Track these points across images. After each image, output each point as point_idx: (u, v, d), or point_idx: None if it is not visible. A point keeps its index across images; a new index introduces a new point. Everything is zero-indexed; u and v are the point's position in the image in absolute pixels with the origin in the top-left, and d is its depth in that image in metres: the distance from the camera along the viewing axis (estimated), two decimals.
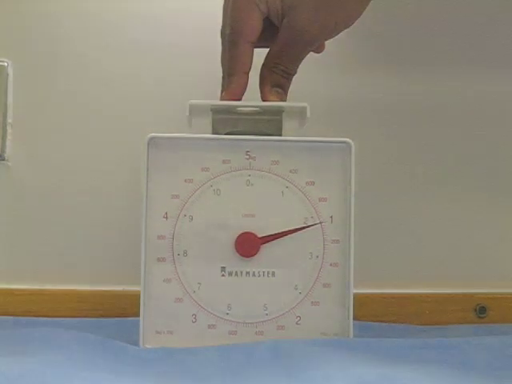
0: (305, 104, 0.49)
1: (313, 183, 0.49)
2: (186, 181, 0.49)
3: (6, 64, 0.66)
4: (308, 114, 0.49)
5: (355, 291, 0.48)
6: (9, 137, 0.66)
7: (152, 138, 0.49)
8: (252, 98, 0.51)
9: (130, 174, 0.63)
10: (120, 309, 0.62)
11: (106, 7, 0.67)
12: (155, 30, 0.67)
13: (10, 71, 0.66)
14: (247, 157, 0.49)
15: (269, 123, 0.50)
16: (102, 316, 0.62)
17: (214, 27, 0.52)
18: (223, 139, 0.49)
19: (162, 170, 0.49)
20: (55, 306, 0.63)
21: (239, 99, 0.50)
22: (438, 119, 0.68)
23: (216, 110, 0.50)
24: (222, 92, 0.51)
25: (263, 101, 0.50)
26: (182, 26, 0.67)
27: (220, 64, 0.52)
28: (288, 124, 0.51)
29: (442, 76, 0.68)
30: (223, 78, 0.51)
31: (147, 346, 0.48)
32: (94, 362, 0.41)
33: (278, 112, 0.50)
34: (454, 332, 0.57)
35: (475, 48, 0.68)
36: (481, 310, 0.65)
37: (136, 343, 0.47)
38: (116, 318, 0.61)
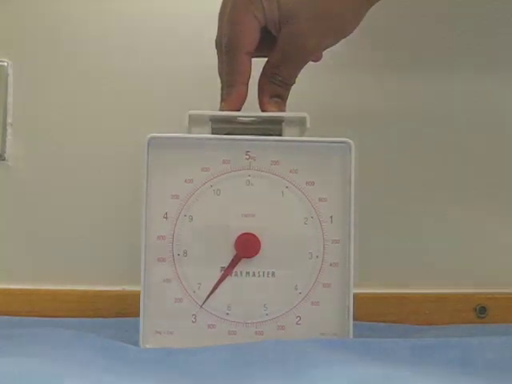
0: (304, 114, 0.49)
1: (313, 183, 0.49)
2: (186, 181, 0.49)
3: (5, 64, 0.66)
4: (308, 123, 0.49)
5: (355, 291, 0.48)
6: (9, 137, 0.66)
7: (152, 138, 0.49)
8: (251, 106, 0.51)
9: (130, 173, 0.63)
10: (120, 309, 0.62)
11: (106, 8, 0.67)
12: (156, 30, 0.67)
13: (10, 71, 0.67)
14: (247, 157, 0.49)
15: (268, 133, 0.50)
16: (102, 316, 0.62)
17: (215, 27, 0.52)
18: (223, 139, 0.49)
19: (161, 170, 0.49)
20: (55, 306, 0.63)
21: (239, 110, 0.50)
22: (438, 120, 0.68)
23: (215, 120, 0.50)
24: (221, 102, 0.50)
25: (262, 111, 0.50)
26: (183, 27, 0.67)
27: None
28: (288, 132, 0.50)
29: (442, 77, 0.68)
30: (222, 88, 0.51)
31: (147, 346, 0.48)
32: (94, 362, 0.41)
33: (278, 122, 0.50)
34: (453, 332, 0.57)
35: (476, 49, 0.68)
36: (481, 310, 0.65)
37: (136, 343, 0.47)
38: (116, 318, 0.61)
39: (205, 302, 0.48)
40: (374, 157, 0.66)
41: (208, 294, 0.48)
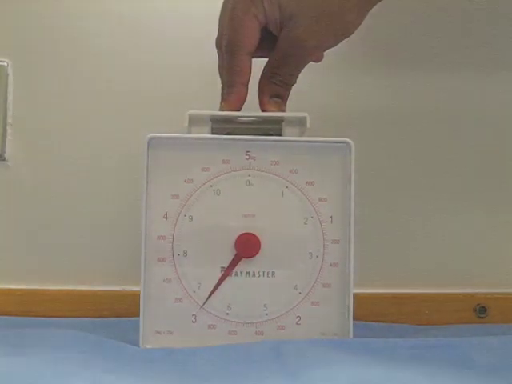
0: (305, 114, 0.49)
1: (313, 183, 0.49)
2: (185, 181, 0.49)
3: (5, 64, 0.66)
4: (308, 123, 0.49)
5: (355, 291, 0.48)
6: (9, 137, 0.66)
7: (152, 138, 0.49)
8: (252, 106, 0.51)
9: (130, 173, 0.63)
10: (120, 309, 0.62)
11: (106, 8, 0.67)
12: (156, 30, 0.67)
13: (10, 71, 0.66)
14: (247, 157, 0.49)
15: (268, 132, 0.50)
16: (102, 316, 0.62)
17: (215, 27, 0.52)
18: (223, 139, 0.49)
19: (162, 170, 0.49)
20: (55, 306, 0.63)
21: (239, 110, 0.50)
22: (438, 120, 0.68)
23: (215, 120, 0.50)
24: (221, 102, 0.50)
25: (262, 111, 0.50)
26: (183, 26, 0.67)
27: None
28: (288, 132, 0.50)
29: (441, 77, 0.68)
30: (222, 88, 0.51)
31: (147, 346, 0.48)
32: (94, 362, 0.41)
33: (278, 122, 0.50)
34: (454, 332, 0.57)
35: (475, 49, 0.68)
36: (481, 310, 0.65)
37: (136, 343, 0.47)
38: (116, 318, 0.61)
39: (205, 302, 0.48)
40: (374, 157, 0.66)
41: (208, 294, 0.48)
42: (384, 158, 0.67)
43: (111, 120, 0.67)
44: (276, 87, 0.50)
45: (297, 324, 0.49)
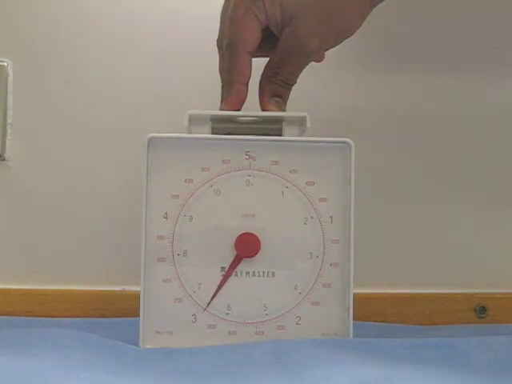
0: (304, 113, 0.49)
1: (313, 183, 0.49)
2: (185, 181, 0.49)
3: (5, 64, 0.66)
4: (308, 123, 0.49)
5: (355, 291, 0.48)
6: (9, 137, 0.66)
7: (152, 138, 0.49)
8: (252, 106, 0.51)
9: (130, 173, 0.63)
10: (120, 309, 0.62)
11: (106, 8, 0.67)
12: (155, 29, 0.67)
13: (10, 71, 0.66)
14: (247, 157, 0.49)
15: (268, 132, 0.50)
16: (102, 316, 0.62)
17: (216, 27, 0.52)
18: (223, 139, 0.49)
19: (162, 170, 0.49)
20: (55, 306, 0.63)
21: (239, 109, 0.50)
22: (437, 120, 0.68)
23: (215, 120, 0.50)
24: (221, 102, 0.50)
25: (262, 110, 0.50)
26: (183, 26, 0.67)
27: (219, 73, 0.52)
28: (288, 132, 0.50)
29: (441, 78, 0.68)
30: (222, 87, 0.51)
31: (147, 346, 0.48)
32: (94, 362, 0.41)
33: (278, 121, 0.50)
34: (454, 332, 0.57)
35: (475, 51, 0.68)
36: (481, 310, 0.65)
37: (136, 343, 0.47)
38: (116, 318, 0.61)
39: (209, 304, 0.48)
40: (374, 157, 0.66)
41: (208, 294, 0.48)
42: (384, 158, 0.67)
43: (111, 120, 0.67)
44: (276, 87, 0.50)
45: (297, 324, 0.49)
